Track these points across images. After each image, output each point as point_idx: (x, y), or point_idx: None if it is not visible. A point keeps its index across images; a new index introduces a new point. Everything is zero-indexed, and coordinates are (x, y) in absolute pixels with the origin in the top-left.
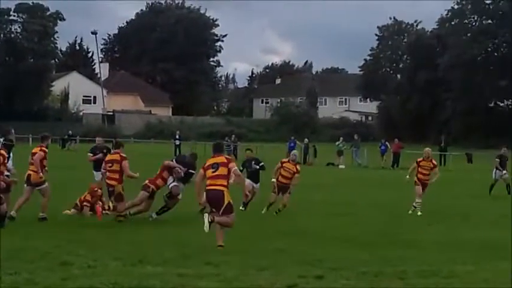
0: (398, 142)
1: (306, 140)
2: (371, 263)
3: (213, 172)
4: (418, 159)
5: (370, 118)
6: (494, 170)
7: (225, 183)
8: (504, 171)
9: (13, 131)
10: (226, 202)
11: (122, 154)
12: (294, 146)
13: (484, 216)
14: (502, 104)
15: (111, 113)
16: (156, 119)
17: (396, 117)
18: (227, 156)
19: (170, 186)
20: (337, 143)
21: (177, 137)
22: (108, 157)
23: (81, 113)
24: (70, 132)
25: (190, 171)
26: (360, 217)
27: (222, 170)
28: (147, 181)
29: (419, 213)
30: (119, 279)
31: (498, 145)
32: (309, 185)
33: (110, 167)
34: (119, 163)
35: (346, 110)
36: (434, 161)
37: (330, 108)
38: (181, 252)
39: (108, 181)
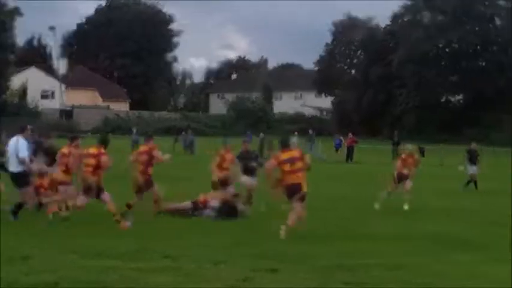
0: (353, 136)
1: (262, 134)
2: (327, 256)
3: (291, 167)
4: (403, 156)
5: (325, 113)
6: (467, 165)
7: (302, 176)
8: (474, 167)
9: (29, 126)
10: (303, 191)
11: (149, 146)
12: (250, 140)
13: (437, 209)
14: (453, 99)
15: (69, 108)
16: (113, 114)
17: (350, 112)
18: (299, 150)
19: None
20: (291, 137)
21: (135, 132)
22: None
23: (39, 108)
24: (28, 127)
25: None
26: (316, 210)
27: (298, 165)
28: (201, 197)
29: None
30: (77, 273)
31: (449, 139)
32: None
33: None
34: (147, 154)
35: (301, 105)
36: (416, 157)
37: (285, 103)
38: (139, 245)
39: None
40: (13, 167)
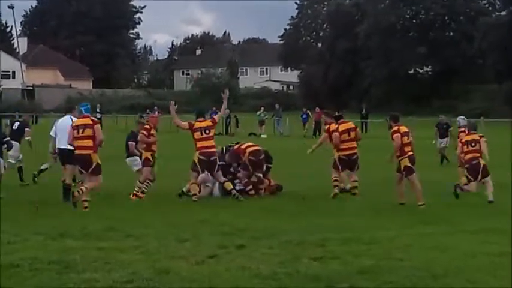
0: (320, 110)
1: (228, 110)
2: (293, 231)
3: (408, 139)
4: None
5: (291, 87)
6: (437, 139)
7: None
8: (441, 140)
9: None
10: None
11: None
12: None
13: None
14: (421, 71)
15: (31, 88)
16: (76, 93)
17: (317, 86)
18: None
19: None
20: (258, 112)
21: (98, 110)
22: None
23: (0, 88)
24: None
25: None
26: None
27: (477, 146)
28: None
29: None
30: (39, 254)
31: (418, 111)
32: None
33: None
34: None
35: (267, 80)
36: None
37: (251, 79)
38: (103, 225)
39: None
40: (64, 144)
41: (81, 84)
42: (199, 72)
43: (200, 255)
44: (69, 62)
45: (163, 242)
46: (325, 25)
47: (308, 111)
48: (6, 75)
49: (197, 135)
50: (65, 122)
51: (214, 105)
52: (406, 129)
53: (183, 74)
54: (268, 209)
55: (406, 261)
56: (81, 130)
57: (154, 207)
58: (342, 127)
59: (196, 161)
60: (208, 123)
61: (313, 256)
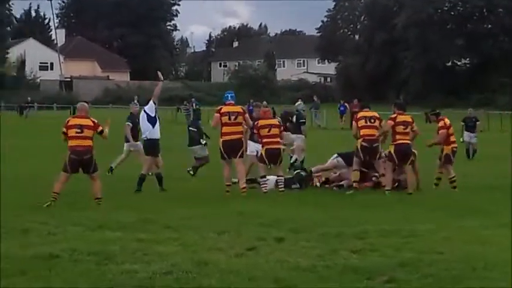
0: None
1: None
2: (331, 224)
3: (365, 122)
4: None
5: (328, 79)
6: (464, 133)
7: None
8: (471, 134)
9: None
10: None
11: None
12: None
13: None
14: (459, 63)
15: (69, 79)
16: (114, 85)
17: (355, 78)
18: None
19: None
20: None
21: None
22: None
23: (38, 80)
24: (29, 99)
25: None
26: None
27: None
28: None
29: None
30: (79, 245)
31: (456, 104)
32: None
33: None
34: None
35: (304, 72)
36: None
37: (288, 71)
38: (141, 216)
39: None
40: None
41: (119, 76)
42: (237, 64)
43: (239, 247)
44: (107, 54)
45: (202, 233)
46: (362, 17)
47: (346, 104)
48: (44, 67)
49: (361, 123)
50: (141, 114)
51: (252, 97)
52: (372, 114)
53: (220, 66)
54: (305, 201)
55: (446, 255)
56: (233, 117)
57: (190, 198)
58: (399, 118)
59: (359, 147)
60: (373, 113)
61: (352, 248)
